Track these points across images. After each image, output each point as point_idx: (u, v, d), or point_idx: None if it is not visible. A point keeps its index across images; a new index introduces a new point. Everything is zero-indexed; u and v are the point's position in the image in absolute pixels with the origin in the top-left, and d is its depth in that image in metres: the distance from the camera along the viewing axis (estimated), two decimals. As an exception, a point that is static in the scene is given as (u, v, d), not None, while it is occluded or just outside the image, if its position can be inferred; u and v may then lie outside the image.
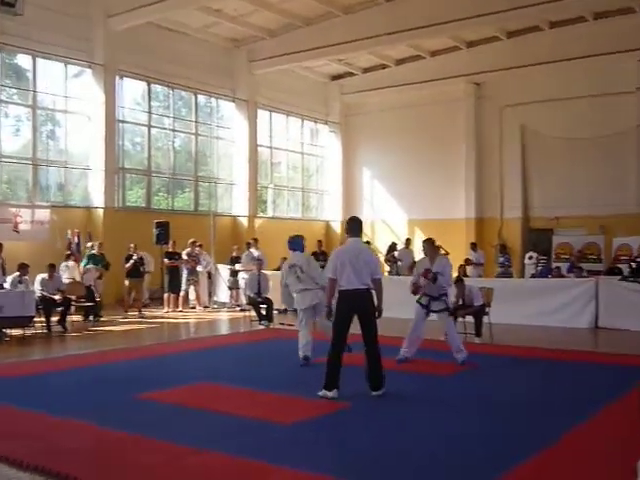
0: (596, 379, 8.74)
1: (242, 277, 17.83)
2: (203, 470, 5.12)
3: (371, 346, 7.57)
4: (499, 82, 23.87)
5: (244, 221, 23.67)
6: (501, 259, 19.99)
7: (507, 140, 23.82)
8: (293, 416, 6.71)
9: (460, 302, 11.95)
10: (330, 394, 7.38)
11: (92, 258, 16.32)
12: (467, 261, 18.29)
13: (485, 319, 12.01)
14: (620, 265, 18.33)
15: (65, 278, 15.30)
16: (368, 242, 19.37)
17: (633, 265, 17.76)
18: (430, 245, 9.77)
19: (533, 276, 19.19)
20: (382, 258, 20.04)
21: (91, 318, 15.04)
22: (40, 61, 18.68)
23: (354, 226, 7.90)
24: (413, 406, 7.25)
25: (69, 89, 19.43)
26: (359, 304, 7.51)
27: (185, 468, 5.16)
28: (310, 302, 9.48)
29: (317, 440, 6.00)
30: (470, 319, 12.02)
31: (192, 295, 18.36)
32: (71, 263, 16.27)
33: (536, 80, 22.83)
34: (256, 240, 19.43)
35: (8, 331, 12.65)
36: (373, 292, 7.64)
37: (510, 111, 23.65)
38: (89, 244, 17.12)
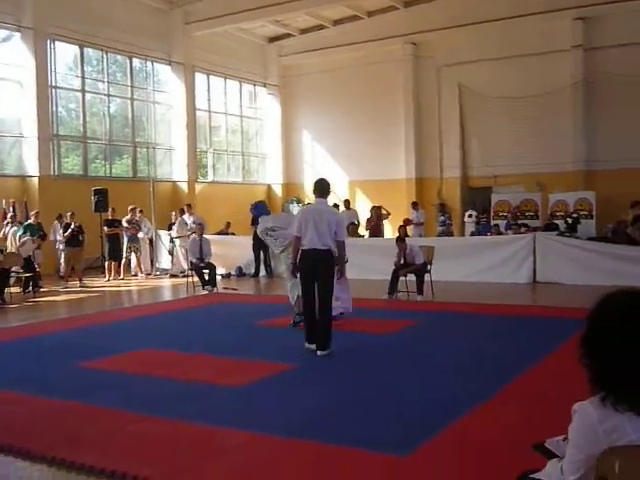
0: (536, 332, 8.96)
1: (178, 244, 17.78)
2: (148, 437, 5.09)
3: (323, 307, 7.69)
4: (436, 42, 23.89)
5: (184, 186, 23.40)
6: (441, 218, 20.30)
7: (445, 100, 23.95)
8: (239, 379, 6.72)
9: (402, 261, 12.12)
10: (311, 346, 7.74)
11: (29, 228, 15.91)
12: (406, 221, 18.47)
13: (427, 277, 12.19)
14: (556, 221, 18.78)
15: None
16: (336, 205, 19.42)
17: (569, 220, 18.24)
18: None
19: (472, 234, 19.54)
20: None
21: (30, 289, 14.78)
22: (-35, 25, 18.02)
23: (320, 187, 8.01)
24: (356, 365, 7.33)
25: (-2, 54, 18.80)
26: (317, 264, 7.62)
27: (129, 435, 5.13)
28: None
29: (264, 402, 6.02)
30: (412, 277, 12.20)
31: (134, 263, 18.16)
32: (14, 229, 15.85)
33: (473, 40, 22.93)
34: (190, 206, 19.21)
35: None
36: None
37: (448, 71, 23.76)
38: (31, 213, 16.60)
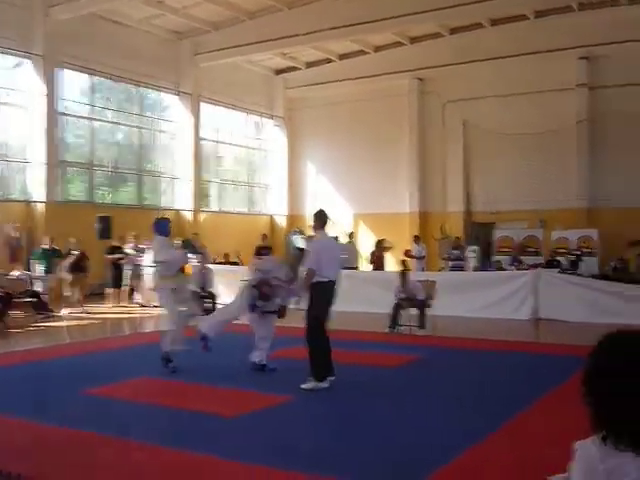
0: (537, 369, 8.95)
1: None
2: (149, 465, 5.10)
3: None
4: (442, 78, 24.14)
5: (188, 215, 23.49)
6: (455, 252, 20.05)
7: (450, 135, 24.09)
8: (238, 409, 6.74)
9: (403, 295, 12.15)
10: (325, 384, 7.55)
11: (45, 254, 15.90)
12: (407, 252, 18.50)
13: (428, 311, 12.19)
14: (559, 258, 18.78)
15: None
16: (336, 237, 19.49)
17: (571, 257, 18.24)
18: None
19: (475, 269, 19.50)
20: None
21: (42, 315, 14.76)
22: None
23: (325, 218, 8.07)
24: (355, 398, 7.32)
25: (7, 80, 18.99)
26: (334, 295, 7.83)
27: (130, 464, 5.13)
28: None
29: (261, 432, 6.03)
30: (414, 311, 12.22)
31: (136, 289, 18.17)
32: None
33: (478, 76, 23.17)
34: (196, 235, 19.35)
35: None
36: None
37: (452, 106, 23.93)
38: (46, 239, 16.53)
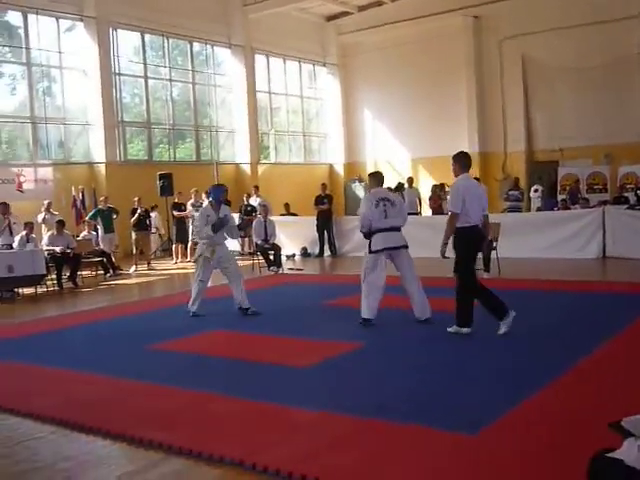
0: (605, 308, 8.77)
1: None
2: (223, 415, 5.17)
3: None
4: (497, 14, 23.38)
5: (247, 168, 23.61)
6: (514, 193, 19.66)
7: (508, 72, 23.48)
8: (309, 359, 6.76)
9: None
10: (465, 330, 7.32)
11: (99, 213, 16.19)
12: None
13: (493, 254, 12.04)
14: (626, 194, 18.27)
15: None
16: (400, 184, 19.42)
17: (639, 193, 17.71)
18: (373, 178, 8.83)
19: (539, 210, 19.14)
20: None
21: (111, 272, 15.16)
22: (31, 17, 18.42)
23: (467, 161, 7.62)
24: (426, 341, 7.32)
25: (63, 44, 19.22)
26: (480, 241, 7.55)
27: (204, 413, 5.22)
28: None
29: (334, 380, 6.06)
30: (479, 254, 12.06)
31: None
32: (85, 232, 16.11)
33: (535, 10, 22.36)
34: (257, 188, 19.48)
35: (20, 290, 12.78)
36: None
37: (510, 42, 23.26)
38: (101, 198, 16.81)
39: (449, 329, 7.40)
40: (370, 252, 8.07)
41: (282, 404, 5.32)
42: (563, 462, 3.91)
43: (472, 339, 7.27)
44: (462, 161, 7.58)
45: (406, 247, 8.18)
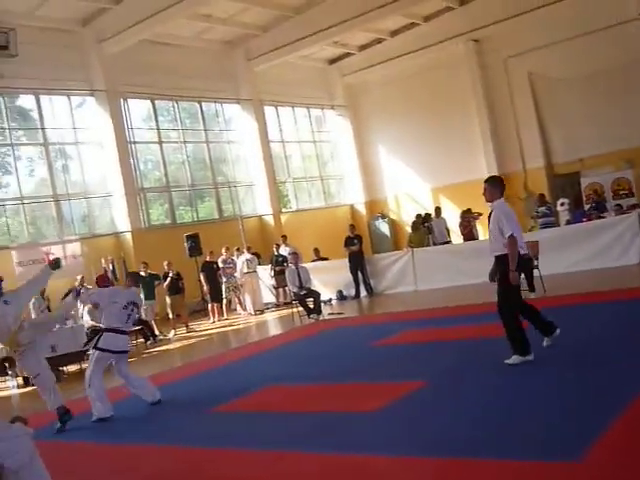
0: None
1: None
2: (296, 473, 5.04)
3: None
4: (498, 35, 23.41)
5: (270, 219, 23.63)
6: (542, 209, 19.38)
7: (517, 90, 23.47)
8: (371, 404, 6.58)
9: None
10: (530, 357, 7.02)
11: (141, 280, 16.11)
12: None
13: (535, 272, 11.84)
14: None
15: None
16: (428, 214, 19.43)
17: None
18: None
19: (568, 223, 18.86)
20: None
21: (151, 339, 15.10)
22: (43, 98, 18.71)
23: (504, 186, 7.47)
24: (483, 372, 7.10)
25: (76, 120, 19.46)
26: (528, 261, 7.49)
27: (276, 475, 5.08)
28: None
29: (403, 423, 5.87)
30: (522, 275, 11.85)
31: (234, 301, 18.34)
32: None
33: (534, 26, 22.32)
34: (285, 237, 19.47)
35: (64, 368, 12.69)
36: None
37: (514, 61, 23.29)
38: (141, 266, 16.79)
39: (508, 361, 7.06)
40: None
41: (360, 454, 5.15)
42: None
43: (533, 364, 7.02)
44: (500, 186, 7.45)
45: None
